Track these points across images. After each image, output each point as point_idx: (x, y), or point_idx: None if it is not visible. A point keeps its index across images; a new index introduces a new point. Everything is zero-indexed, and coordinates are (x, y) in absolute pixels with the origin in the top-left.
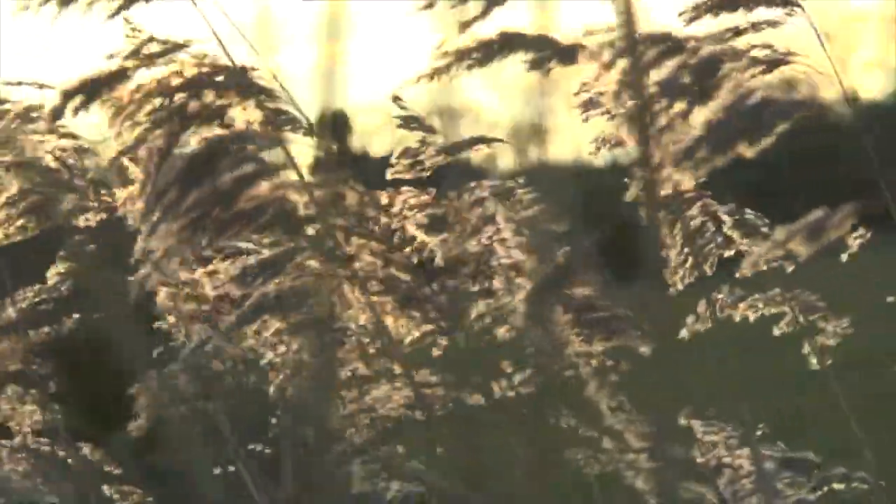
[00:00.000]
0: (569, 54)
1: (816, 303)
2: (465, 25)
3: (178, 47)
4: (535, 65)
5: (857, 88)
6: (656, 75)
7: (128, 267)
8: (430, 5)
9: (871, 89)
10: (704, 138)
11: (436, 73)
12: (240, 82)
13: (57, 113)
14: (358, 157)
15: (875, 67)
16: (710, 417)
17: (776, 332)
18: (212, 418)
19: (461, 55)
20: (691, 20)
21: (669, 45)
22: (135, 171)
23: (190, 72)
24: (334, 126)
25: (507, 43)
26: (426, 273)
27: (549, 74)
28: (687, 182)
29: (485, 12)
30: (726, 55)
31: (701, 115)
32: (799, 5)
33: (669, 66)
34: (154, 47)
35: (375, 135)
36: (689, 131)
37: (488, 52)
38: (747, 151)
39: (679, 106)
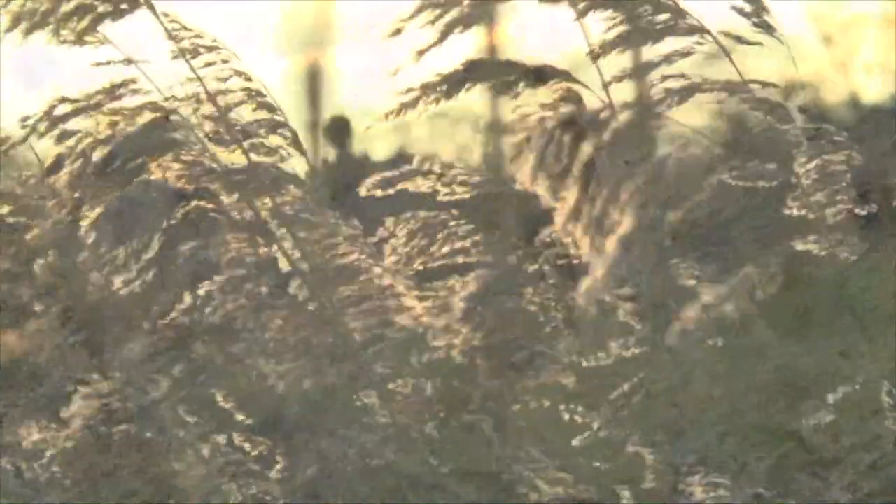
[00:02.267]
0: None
1: None
2: (420, 53)
3: None
4: (502, 89)
5: (858, 91)
6: None
7: None
8: (398, 32)
9: (873, 92)
10: None
11: (403, 109)
12: None
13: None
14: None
15: (876, 70)
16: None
17: None
18: None
19: (427, 89)
20: (597, 57)
21: None
22: None
23: None
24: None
25: (471, 70)
26: None
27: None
28: None
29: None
30: None
31: None
32: (709, 32)
33: None
34: None
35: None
36: None
37: (454, 83)
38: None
39: None
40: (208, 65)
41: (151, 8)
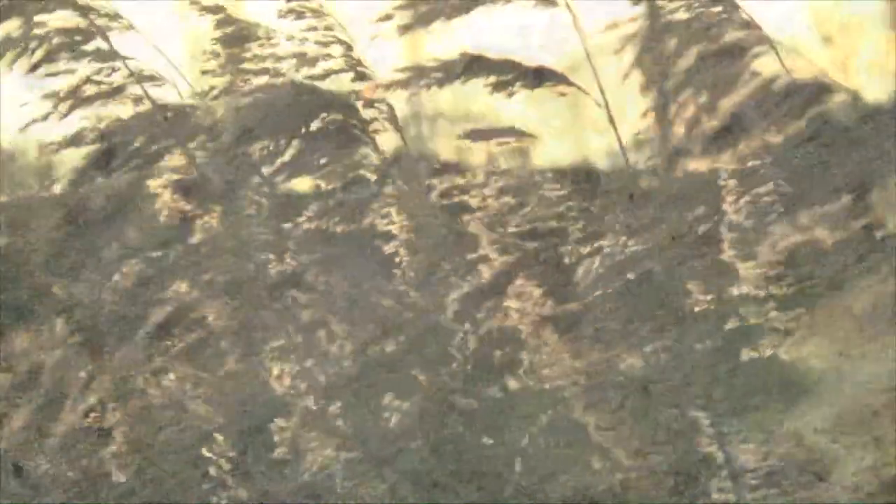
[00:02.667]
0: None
1: None
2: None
3: None
4: (499, 87)
5: (859, 91)
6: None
7: None
8: (387, 17)
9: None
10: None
11: (394, 85)
12: None
13: None
14: None
15: (876, 70)
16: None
17: None
18: None
19: (421, 72)
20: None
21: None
22: None
23: None
24: None
25: (470, 66)
26: None
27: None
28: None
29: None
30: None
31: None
32: (759, 28)
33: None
34: None
35: None
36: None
37: (450, 73)
38: (775, 137)
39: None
40: (311, 29)
41: (106, 39)
